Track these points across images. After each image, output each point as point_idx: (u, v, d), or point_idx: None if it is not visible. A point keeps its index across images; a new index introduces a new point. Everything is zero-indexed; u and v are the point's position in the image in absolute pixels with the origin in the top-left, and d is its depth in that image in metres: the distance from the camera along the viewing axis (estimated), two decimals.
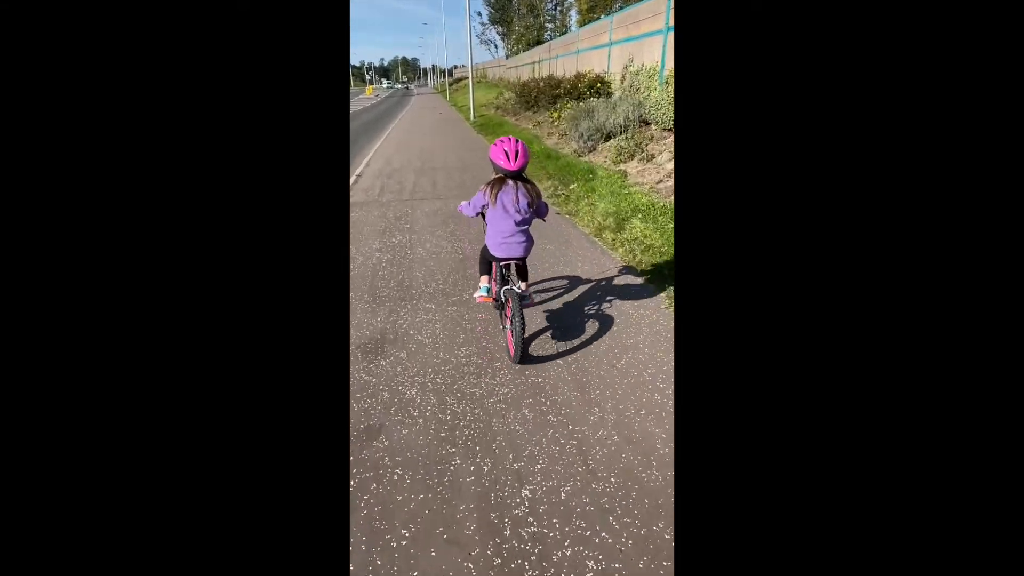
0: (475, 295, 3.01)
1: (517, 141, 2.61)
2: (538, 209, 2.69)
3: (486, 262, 2.91)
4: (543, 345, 2.97)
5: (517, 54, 33.17)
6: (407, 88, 59.44)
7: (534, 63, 22.75)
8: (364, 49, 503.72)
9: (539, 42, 31.86)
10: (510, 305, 2.63)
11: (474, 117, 17.67)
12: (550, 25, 37.42)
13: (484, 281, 2.93)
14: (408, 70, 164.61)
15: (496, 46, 45.54)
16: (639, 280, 3.83)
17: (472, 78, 19.10)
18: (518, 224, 2.63)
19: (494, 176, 2.67)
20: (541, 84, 14.13)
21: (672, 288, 3.61)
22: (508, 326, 2.77)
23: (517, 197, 2.59)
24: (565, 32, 32.75)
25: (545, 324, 3.21)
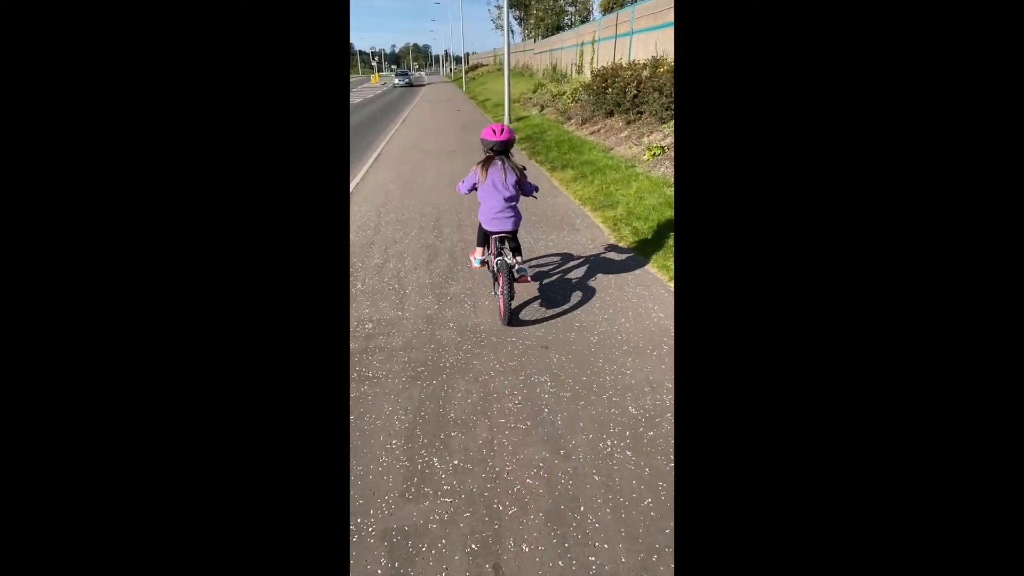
0: (472, 261, 3.32)
1: (503, 127, 2.97)
2: (523, 187, 2.99)
3: (482, 235, 3.15)
4: None
5: (535, 40, 28.13)
6: (408, 82, 35.45)
7: (581, 44, 16.57)
8: (373, 35, 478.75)
9: (558, 28, 27.33)
10: (502, 275, 2.84)
11: (510, 121, 11.50)
12: (571, 9, 35.06)
13: (479, 253, 3.23)
14: (420, 57, 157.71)
15: (512, 32, 41.27)
16: None
17: (508, 60, 12.61)
18: (507, 200, 2.93)
19: (484, 155, 2.97)
20: (644, 72, 8.01)
21: None
22: (499, 292, 2.97)
23: (505, 175, 2.91)
24: (587, 19, 28.27)
25: None
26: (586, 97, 9.90)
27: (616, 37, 13.46)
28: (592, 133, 8.83)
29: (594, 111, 9.41)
